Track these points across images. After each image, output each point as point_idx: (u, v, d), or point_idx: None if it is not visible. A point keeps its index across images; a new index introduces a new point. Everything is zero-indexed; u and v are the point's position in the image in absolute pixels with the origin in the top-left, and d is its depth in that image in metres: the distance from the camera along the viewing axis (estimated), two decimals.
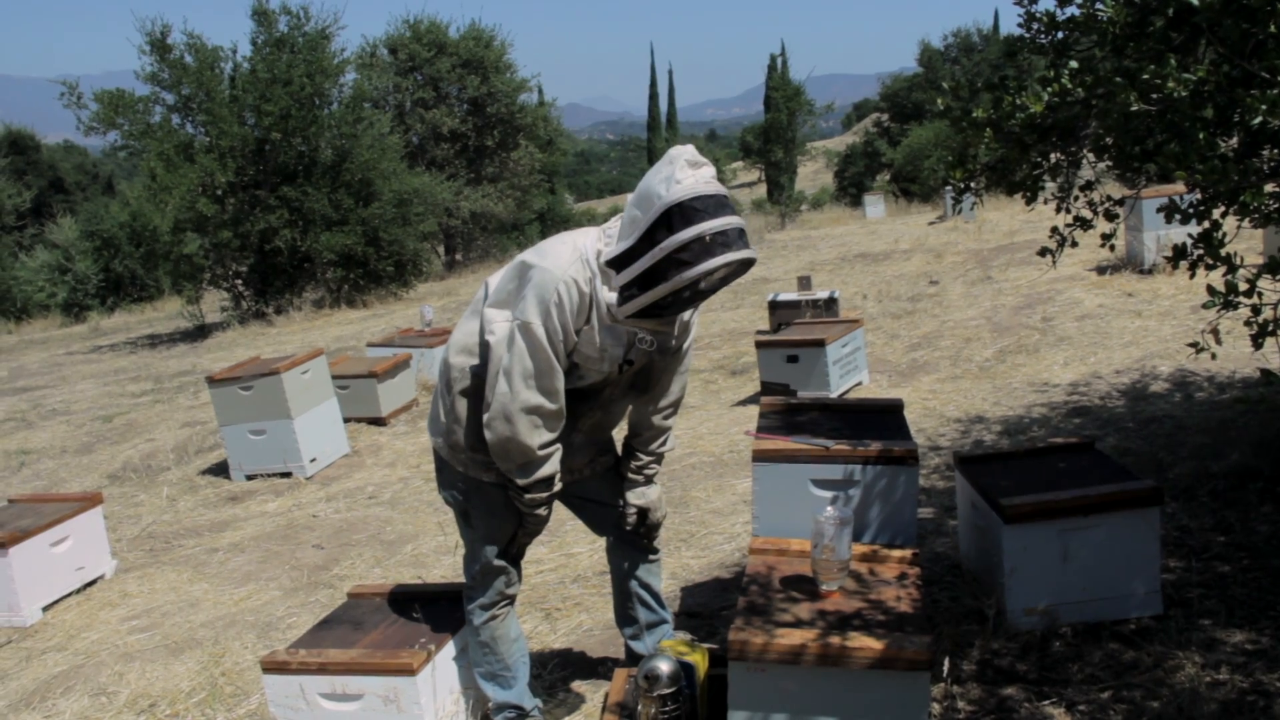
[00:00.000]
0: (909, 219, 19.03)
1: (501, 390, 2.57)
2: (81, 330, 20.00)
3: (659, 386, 2.86)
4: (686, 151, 2.41)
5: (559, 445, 2.69)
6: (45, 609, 4.93)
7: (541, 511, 2.77)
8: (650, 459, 2.97)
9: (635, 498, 2.97)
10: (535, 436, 2.60)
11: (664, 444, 2.98)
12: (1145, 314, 7.73)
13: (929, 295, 10.04)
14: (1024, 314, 8.47)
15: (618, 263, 2.46)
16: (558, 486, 2.76)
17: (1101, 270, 9.39)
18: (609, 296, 2.51)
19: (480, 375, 2.68)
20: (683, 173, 2.36)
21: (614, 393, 2.79)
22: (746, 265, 2.42)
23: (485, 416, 2.62)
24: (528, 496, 2.71)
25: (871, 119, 44.00)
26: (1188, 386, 5.79)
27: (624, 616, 3.20)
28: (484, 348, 2.66)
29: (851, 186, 36.42)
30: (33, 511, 5.16)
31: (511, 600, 2.95)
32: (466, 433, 2.74)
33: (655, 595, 3.16)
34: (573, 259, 2.54)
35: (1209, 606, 3.22)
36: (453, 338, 2.81)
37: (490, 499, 2.79)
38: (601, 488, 3.02)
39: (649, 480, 2.99)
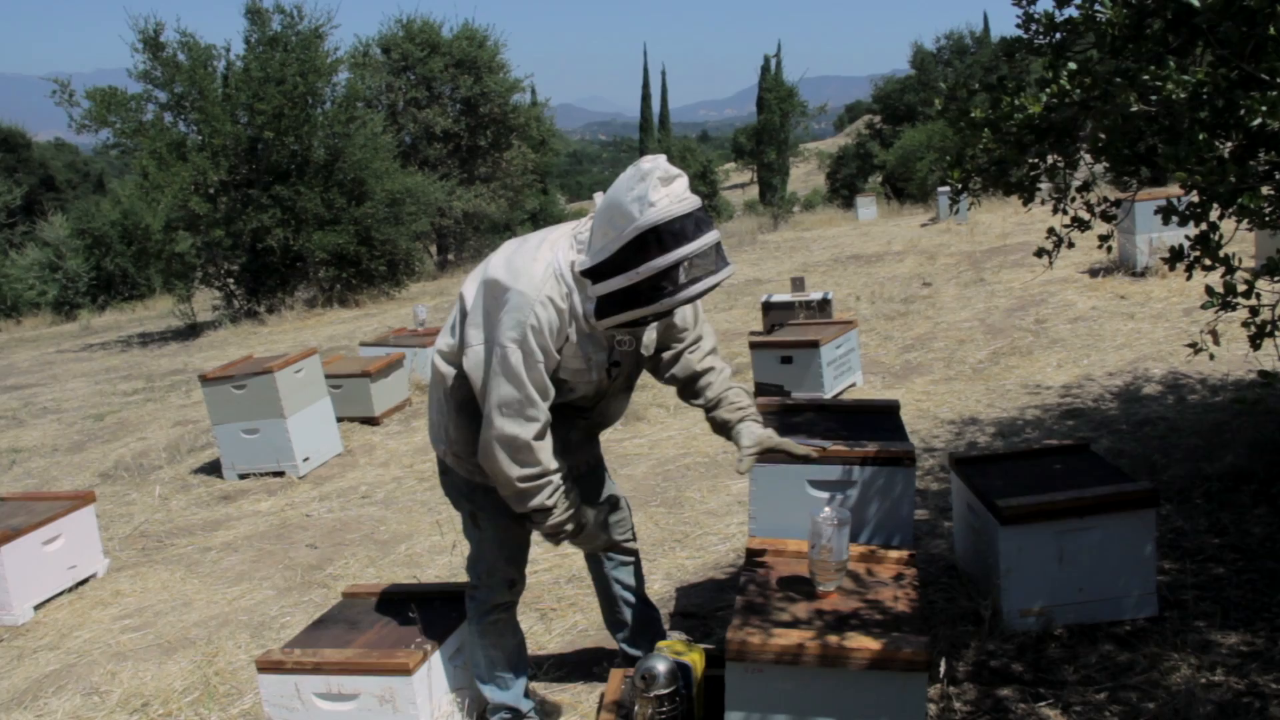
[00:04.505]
0: (901, 221, 19.06)
1: (484, 423, 2.54)
2: (72, 328, 19.91)
3: (663, 363, 2.81)
4: (658, 167, 2.27)
5: (547, 479, 2.58)
6: (37, 608, 4.90)
7: (567, 529, 2.69)
8: (736, 395, 2.77)
9: (761, 439, 2.72)
10: (511, 468, 2.52)
11: (727, 377, 2.80)
12: (1138, 316, 7.75)
13: (922, 297, 10.05)
14: (1017, 316, 8.49)
15: (594, 274, 2.40)
16: (565, 507, 2.66)
17: (1094, 273, 9.42)
18: (587, 307, 2.45)
19: (467, 388, 2.63)
20: (655, 193, 2.25)
21: (608, 404, 2.80)
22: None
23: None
24: (529, 525, 2.72)
25: (864, 121, 44.08)
26: (1180, 389, 5.80)
27: (613, 621, 3.19)
28: (462, 368, 2.60)
29: (844, 188, 36.45)
30: (24, 510, 5.13)
31: (513, 604, 2.94)
32: (464, 441, 2.70)
33: (638, 594, 3.14)
34: (546, 276, 2.46)
35: (1204, 608, 3.23)
36: (439, 343, 2.75)
37: (499, 503, 2.72)
38: (585, 486, 2.97)
39: (751, 417, 2.77)
